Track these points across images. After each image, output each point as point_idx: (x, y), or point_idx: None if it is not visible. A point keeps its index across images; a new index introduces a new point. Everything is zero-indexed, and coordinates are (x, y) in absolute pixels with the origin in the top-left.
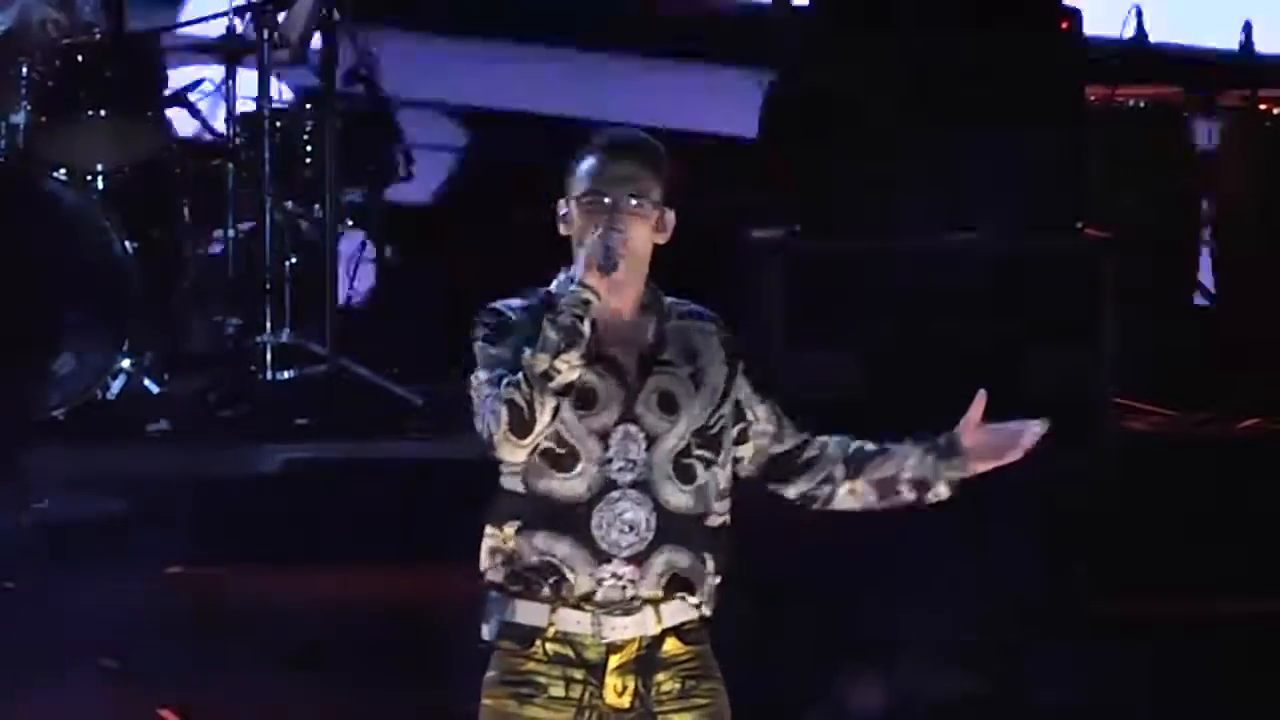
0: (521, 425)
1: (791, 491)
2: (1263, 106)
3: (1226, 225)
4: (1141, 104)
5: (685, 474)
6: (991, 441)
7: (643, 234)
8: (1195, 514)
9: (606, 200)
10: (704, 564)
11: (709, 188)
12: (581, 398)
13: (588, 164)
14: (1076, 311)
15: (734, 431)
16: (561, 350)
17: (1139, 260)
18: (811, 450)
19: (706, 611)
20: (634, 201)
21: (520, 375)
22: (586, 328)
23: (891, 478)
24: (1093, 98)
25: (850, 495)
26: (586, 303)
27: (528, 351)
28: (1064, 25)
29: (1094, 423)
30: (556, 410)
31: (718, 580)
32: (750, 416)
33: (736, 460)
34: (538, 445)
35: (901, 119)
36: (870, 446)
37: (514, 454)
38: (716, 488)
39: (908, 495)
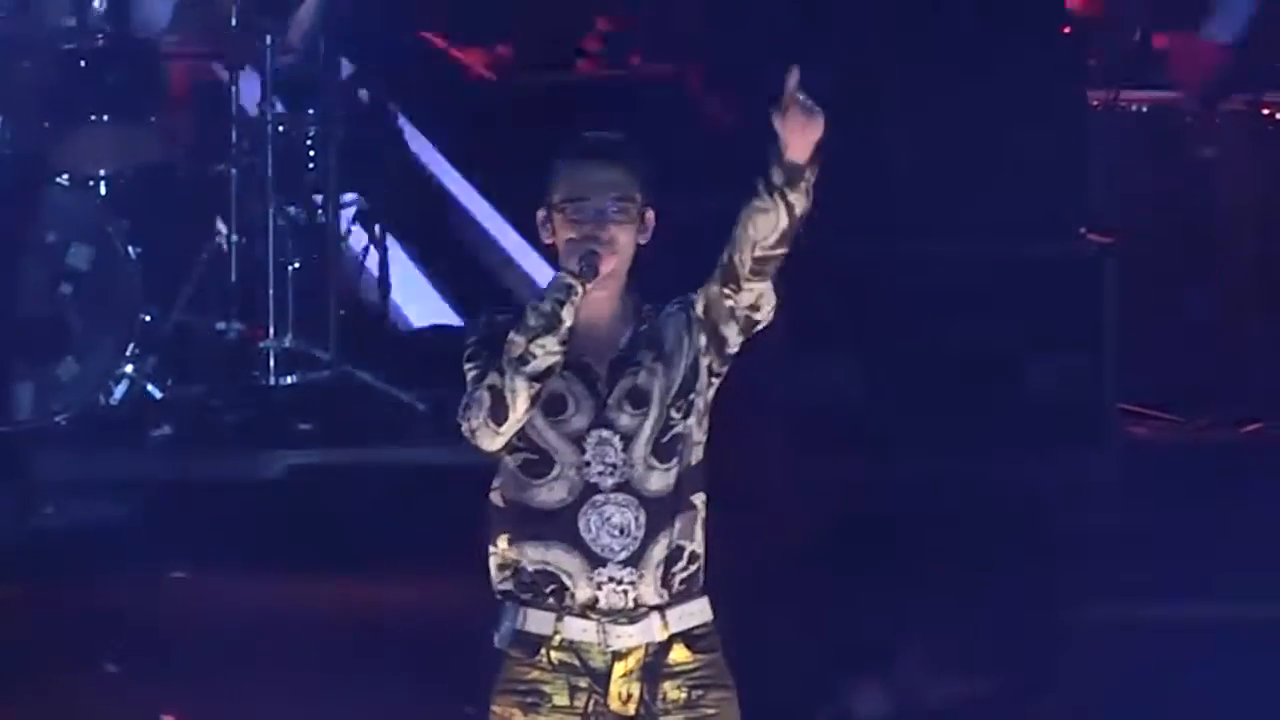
0: (500, 410)
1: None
2: (1265, 111)
3: (1228, 229)
4: (1144, 108)
5: (663, 454)
6: (797, 117)
7: (627, 238)
8: (1197, 518)
9: (590, 206)
10: (690, 543)
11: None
12: (550, 404)
13: (567, 170)
14: (1079, 316)
15: (706, 362)
16: (538, 334)
17: (1141, 264)
18: (723, 258)
19: (700, 575)
20: (617, 206)
21: (502, 362)
22: (567, 314)
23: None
24: (1095, 102)
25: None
26: (569, 288)
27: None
28: (1066, 28)
29: (1097, 427)
30: (535, 399)
31: (701, 563)
32: (720, 326)
33: (729, 351)
34: (516, 452)
35: (902, 121)
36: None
37: (492, 442)
38: (691, 443)
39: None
